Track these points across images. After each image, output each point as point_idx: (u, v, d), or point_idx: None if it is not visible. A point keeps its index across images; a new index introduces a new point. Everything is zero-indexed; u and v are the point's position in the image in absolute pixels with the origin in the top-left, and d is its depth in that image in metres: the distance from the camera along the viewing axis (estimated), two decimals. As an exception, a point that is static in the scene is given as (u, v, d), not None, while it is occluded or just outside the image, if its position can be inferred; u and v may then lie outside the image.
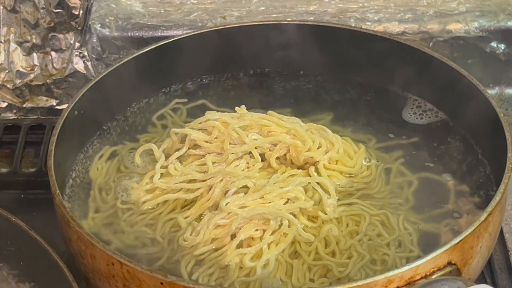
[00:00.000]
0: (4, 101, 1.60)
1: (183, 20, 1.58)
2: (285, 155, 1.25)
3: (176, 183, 1.21)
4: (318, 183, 1.20)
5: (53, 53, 1.59)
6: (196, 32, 1.45)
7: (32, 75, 1.59)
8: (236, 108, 1.31)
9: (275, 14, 1.59)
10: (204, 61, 1.46)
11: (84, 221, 1.21)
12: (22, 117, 1.60)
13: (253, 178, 1.20)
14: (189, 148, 1.26)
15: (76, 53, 1.58)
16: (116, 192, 1.25)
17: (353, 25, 1.54)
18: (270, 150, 1.24)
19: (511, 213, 1.36)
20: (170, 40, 1.42)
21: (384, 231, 1.17)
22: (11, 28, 1.58)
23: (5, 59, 1.58)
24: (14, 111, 1.61)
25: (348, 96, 1.43)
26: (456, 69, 1.31)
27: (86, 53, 1.57)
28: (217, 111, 1.32)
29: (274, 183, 1.19)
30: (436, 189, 1.25)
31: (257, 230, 1.14)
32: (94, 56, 1.58)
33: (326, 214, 1.17)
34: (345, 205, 1.20)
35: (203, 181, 1.21)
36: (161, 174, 1.24)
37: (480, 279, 1.24)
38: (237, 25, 1.47)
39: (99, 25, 1.57)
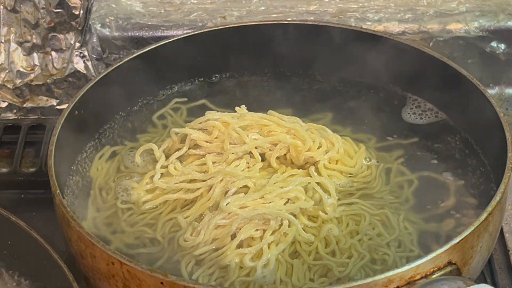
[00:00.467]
0: (4, 101, 1.60)
1: (183, 20, 1.58)
2: (285, 155, 1.25)
3: (176, 183, 1.21)
4: (318, 183, 1.20)
5: (53, 53, 1.59)
6: (196, 32, 1.45)
7: (32, 75, 1.59)
8: (236, 108, 1.31)
9: (275, 14, 1.59)
10: (204, 61, 1.46)
11: (84, 221, 1.21)
12: (22, 117, 1.60)
13: (253, 178, 1.20)
14: (189, 148, 1.26)
15: (76, 53, 1.58)
16: (116, 192, 1.25)
17: (353, 25, 1.54)
18: (270, 150, 1.24)
19: (511, 212, 1.36)
20: (170, 40, 1.42)
21: (384, 230, 1.17)
22: (12, 28, 1.58)
23: (6, 59, 1.58)
24: (14, 111, 1.61)
25: (348, 96, 1.43)
26: (456, 69, 1.31)
27: (86, 53, 1.57)
28: (217, 111, 1.32)
29: (274, 183, 1.19)
30: (436, 188, 1.25)
31: (257, 230, 1.14)
32: (94, 56, 1.58)
33: (326, 214, 1.17)
34: (345, 205, 1.20)
35: (203, 181, 1.21)
36: (161, 174, 1.24)
37: (480, 279, 1.24)
38: (237, 25, 1.47)
39: (99, 25, 1.57)
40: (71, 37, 1.57)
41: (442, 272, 1.03)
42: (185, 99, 1.43)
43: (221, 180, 1.20)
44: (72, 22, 1.56)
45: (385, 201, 1.22)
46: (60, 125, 1.24)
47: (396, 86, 1.42)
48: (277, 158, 1.24)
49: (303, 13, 1.58)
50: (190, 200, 1.21)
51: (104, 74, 1.35)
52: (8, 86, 1.59)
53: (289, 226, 1.14)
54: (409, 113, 1.38)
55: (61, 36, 1.58)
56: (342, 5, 1.60)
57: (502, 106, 1.61)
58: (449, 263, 1.04)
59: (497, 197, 1.09)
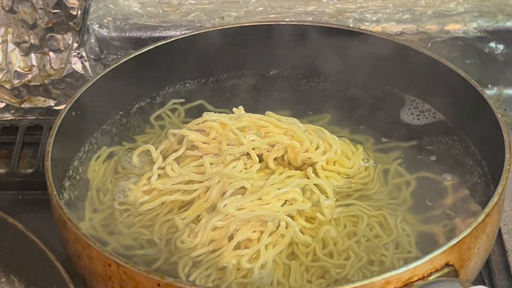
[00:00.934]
0: (2, 102, 1.60)
1: (181, 20, 1.58)
2: (283, 156, 1.25)
3: (174, 184, 1.21)
4: (315, 184, 1.20)
5: (51, 53, 1.58)
6: (194, 33, 1.45)
7: (30, 76, 1.59)
8: (234, 109, 1.31)
9: (273, 14, 1.59)
10: (202, 62, 1.45)
11: (81, 222, 1.21)
12: (20, 117, 1.60)
13: (251, 179, 1.20)
14: (186, 149, 1.26)
15: (74, 53, 1.57)
16: (114, 193, 1.24)
17: (351, 25, 1.54)
18: (268, 151, 1.24)
19: (509, 214, 1.36)
20: (168, 41, 1.42)
21: (382, 232, 1.17)
22: (9, 29, 1.58)
23: (3, 59, 1.58)
24: (12, 111, 1.60)
25: (346, 97, 1.43)
26: (454, 70, 1.31)
27: (84, 54, 1.57)
28: (215, 112, 1.32)
29: (272, 184, 1.18)
30: (434, 190, 1.25)
31: (254, 231, 1.14)
32: (92, 57, 1.58)
33: (324, 215, 1.17)
34: (343, 206, 1.20)
35: (201, 182, 1.21)
36: (159, 175, 1.24)
37: (478, 280, 1.23)
38: (235, 25, 1.47)
39: (97, 26, 1.57)
40: (69, 38, 1.57)
41: (440, 273, 1.03)
42: (183, 100, 1.43)
43: (219, 181, 1.19)
44: (70, 23, 1.56)
45: (383, 202, 1.22)
46: (57, 126, 1.24)
47: (394, 87, 1.42)
48: (275, 159, 1.24)
49: (301, 13, 1.58)
50: (187, 201, 1.20)
51: (102, 74, 1.35)
52: (6, 86, 1.59)
53: (286, 227, 1.14)
54: (407, 114, 1.38)
55: (59, 36, 1.57)
56: (340, 5, 1.60)
57: (500, 107, 1.61)
58: (447, 265, 1.03)
59: (494, 199, 1.09)
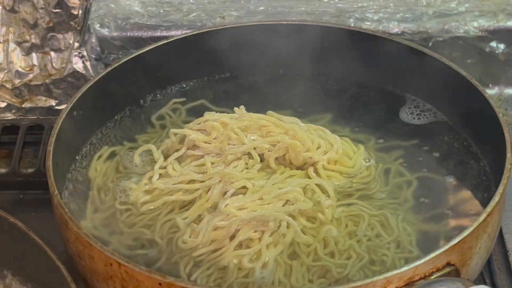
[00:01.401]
0: (3, 101, 1.60)
1: (182, 20, 1.58)
2: (284, 155, 1.25)
3: (175, 184, 1.21)
4: (317, 184, 1.20)
5: (52, 53, 1.58)
6: (195, 32, 1.45)
7: (31, 75, 1.59)
8: (235, 108, 1.31)
9: (274, 14, 1.59)
10: (203, 61, 1.45)
11: (83, 221, 1.21)
12: (21, 117, 1.60)
13: (252, 179, 1.20)
14: (188, 149, 1.26)
15: (75, 53, 1.57)
16: (115, 193, 1.24)
17: (352, 25, 1.54)
18: (269, 150, 1.24)
19: (510, 213, 1.35)
20: (169, 40, 1.42)
21: (383, 231, 1.17)
22: (10, 28, 1.58)
23: (4, 59, 1.58)
24: (13, 111, 1.60)
25: (347, 96, 1.43)
26: (455, 69, 1.31)
27: (85, 53, 1.57)
28: (216, 111, 1.32)
29: (273, 184, 1.18)
30: (435, 189, 1.25)
31: (255, 231, 1.14)
32: (93, 56, 1.58)
33: (324, 215, 1.17)
34: (344, 206, 1.20)
35: (202, 182, 1.21)
36: (160, 174, 1.24)
37: (479, 280, 1.23)
38: (236, 25, 1.47)
39: (98, 25, 1.57)
40: (70, 37, 1.57)
41: (441, 273, 1.03)
42: (184, 99, 1.43)
43: (220, 181, 1.19)
44: (71, 22, 1.56)
45: (384, 202, 1.22)
46: (58, 125, 1.24)
47: (395, 87, 1.42)
48: (276, 158, 1.24)
49: (302, 13, 1.58)
50: (188, 201, 1.20)
51: (103, 74, 1.35)
52: (7, 86, 1.59)
53: (287, 227, 1.14)
54: (407, 114, 1.38)
55: (60, 36, 1.57)
56: (341, 5, 1.60)
57: (501, 106, 1.61)
58: (448, 264, 1.03)
59: (496, 198, 1.09)
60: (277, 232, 1.14)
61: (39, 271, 1.13)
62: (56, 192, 1.13)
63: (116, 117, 1.39)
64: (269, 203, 1.15)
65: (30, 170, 1.47)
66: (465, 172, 1.26)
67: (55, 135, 1.22)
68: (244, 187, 1.18)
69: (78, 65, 1.58)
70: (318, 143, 1.24)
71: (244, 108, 1.31)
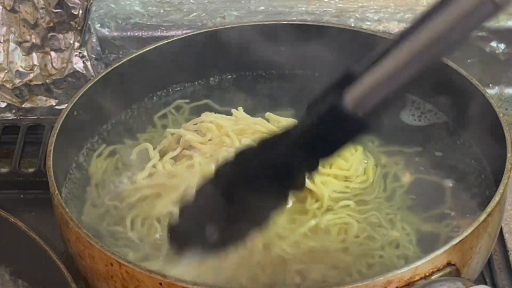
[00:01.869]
0: (3, 101, 1.60)
1: (183, 20, 1.58)
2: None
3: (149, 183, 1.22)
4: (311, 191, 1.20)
5: (52, 53, 1.58)
6: (196, 32, 1.45)
7: (31, 75, 1.59)
8: (233, 110, 1.31)
9: (274, 14, 1.59)
10: (203, 62, 1.45)
11: (83, 216, 1.21)
12: (22, 117, 1.60)
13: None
14: (184, 149, 1.26)
15: (75, 53, 1.57)
16: (111, 190, 1.24)
17: (352, 25, 1.54)
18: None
19: (510, 213, 1.36)
20: (169, 40, 1.42)
21: (381, 231, 1.16)
22: (11, 28, 1.58)
23: (5, 59, 1.58)
24: (14, 111, 1.60)
25: (348, 96, 1.43)
26: (455, 69, 1.31)
27: (85, 53, 1.57)
28: (220, 112, 1.32)
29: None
30: (435, 189, 1.24)
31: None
32: (94, 56, 1.58)
33: (317, 222, 1.16)
34: (338, 211, 1.19)
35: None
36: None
37: (480, 280, 1.23)
38: (236, 25, 1.47)
39: (99, 25, 1.57)
40: (70, 37, 1.57)
41: (441, 273, 1.02)
42: (187, 100, 1.43)
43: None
44: (71, 22, 1.56)
45: (382, 202, 1.22)
46: (59, 125, 1.24)
47: (395, 87, 1.41)
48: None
49: (303, 13, 1.58)
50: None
51: (103, 74, 1.35)
52: (7, 86, 1.59)
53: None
54: (407, 115, 1.37)
55: (60, 36, 1.57)
56: (341, 5, 1.60)
57: (501, 106, 1.61)
58: (448, 264, 1.03)
59: (496, 198, 1.09)
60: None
61: (39, 271, 1.13)
62: (57, 192, 1.13)
63: (116, 117, 1.39)
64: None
65: (30, 170, 1.47)
66: (466, 172, 1.26)
67: (55, 135, 1.22)
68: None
69: (78, 65, 1.58)
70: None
71: (243, 109, 1.31)
